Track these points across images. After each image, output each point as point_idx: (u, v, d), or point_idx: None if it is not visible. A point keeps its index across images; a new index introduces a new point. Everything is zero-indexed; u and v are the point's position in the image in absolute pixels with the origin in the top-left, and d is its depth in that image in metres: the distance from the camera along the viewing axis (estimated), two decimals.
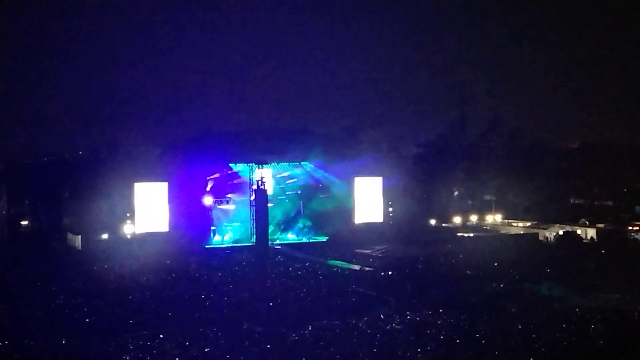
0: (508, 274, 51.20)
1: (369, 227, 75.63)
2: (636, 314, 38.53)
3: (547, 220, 79.85)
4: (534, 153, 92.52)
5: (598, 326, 35.28)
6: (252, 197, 68.79)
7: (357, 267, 56.44)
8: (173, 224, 69.66)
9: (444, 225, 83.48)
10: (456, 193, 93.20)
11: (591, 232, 73.17)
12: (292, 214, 76.93)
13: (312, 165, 76.71)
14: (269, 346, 32.62)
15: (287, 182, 77.07)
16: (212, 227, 73.22)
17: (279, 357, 31.90)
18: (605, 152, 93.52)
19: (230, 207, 74.53)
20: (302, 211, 76.86)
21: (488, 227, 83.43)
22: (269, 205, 69.74)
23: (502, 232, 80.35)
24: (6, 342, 33.51)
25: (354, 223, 76.35)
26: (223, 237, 72.18)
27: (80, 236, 69.16)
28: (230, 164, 73.95)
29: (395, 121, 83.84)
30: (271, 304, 41.66)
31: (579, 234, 73.21)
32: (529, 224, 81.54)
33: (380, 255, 64.60)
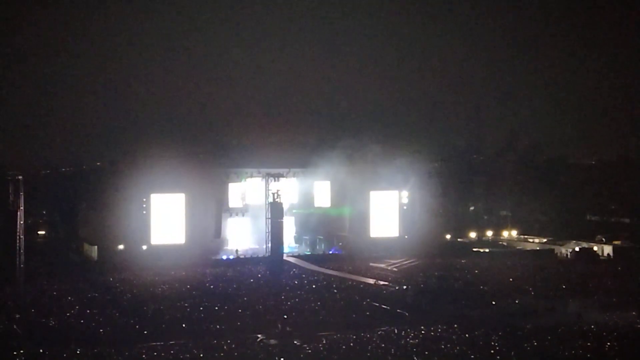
0: (523, 290, 50.97)
1: (384, 241, 75.56)
2: None
3: (563, 237, 79.45)
4: (550, 169, 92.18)
5: (614, 343, 35.03)
6: (268, 210, 68.79)
7: (371, 281, 56.38)
8: (189, 235, 69.91)
9: (459, 240, 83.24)
10: (472, 208, 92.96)
11: (608, 249, 72.75)
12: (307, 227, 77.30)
13: (328, 179, 76.98)
14: (282, 358, 32.64)
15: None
16: (228, 239, 73.50)
17: None
18: (622, 168, 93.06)
19: (245, 219, 74.81)
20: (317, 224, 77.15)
21: (504, 243, 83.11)
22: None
23: (517, 247, 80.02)
24: (22, 351, 33.73)
25: (369, 237, 76.29)
26: (238, 249, 72.30)
27: (96, 246, 69.54)
28: (246, 177, 74.31)
29: (412, 135, 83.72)
30: (285, 316, 41.69)
31: (596, 251, 72.80)
32: (545, 240, 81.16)
33: (395, 269, 64.52)
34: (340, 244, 75.91)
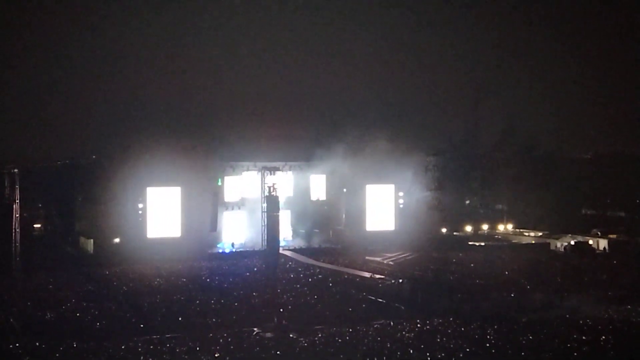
0: (519, 284, 51.08)
1: (381, 234, 75.60)
2: None
3: (558, 230, 79.56)
4: (546, 163, 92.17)
5: (609, 337, 35.15)
6: (264, 203, 68.69)
7: (367, 275, 56.44)
8: (185, 228, 69.87)
9: (455, 233, 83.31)
10: (468, 202, 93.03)
11: (603, 243, 72.86)
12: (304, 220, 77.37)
13: (324, 173, 77.08)
14: (278, 352, 32.69)
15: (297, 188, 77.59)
16: (223, 233, 73.47)
17: None
18: (618, 162, 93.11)
19: (241, 212, 74.76)
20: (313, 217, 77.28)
21: (499, 237, 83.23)
22: None
23: (513, 241, 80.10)
24: (17, 345, 33.73)
25: (365, 230, 76.32)
26: (234, 243, 72.34)
27: (92, 240, 69.50)
28: (242, 170, 74.31)
29: (409, 129, 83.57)
30: (281, 309, 41.74)
31: (591, 245, 72.91)
32: (540, 233, 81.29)
33: (391, 263, 64.58)
34: (336, 237, 76.09)
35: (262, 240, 68.06)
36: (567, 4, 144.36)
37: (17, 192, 59.82)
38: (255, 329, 37.33)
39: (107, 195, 69.19)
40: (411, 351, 32.87)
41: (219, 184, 73.46)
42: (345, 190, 77.03)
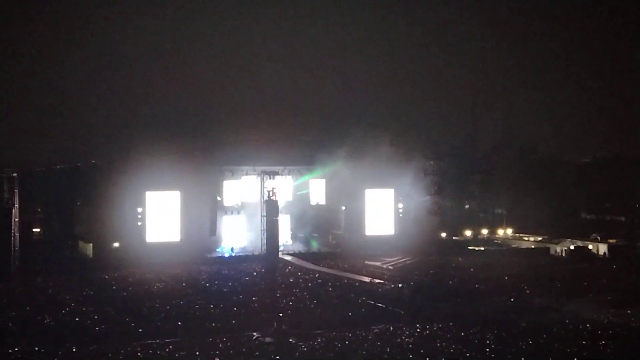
0: (518, 288, 51.03)
1: (380, 239, 75.51)
2: None
3: (558, 235, 79.48)
4: (545, 167, 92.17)
5: (609, 341, 35.12)
6: (263, 208, 68.64)
7: (367, 279, 56.37)
8: (184, 232, 69.83)
9: (454, 238, 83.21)
10: (467, 206, 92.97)
11: (603, 248, 72.75)
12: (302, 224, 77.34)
13: (322, 177, 77.06)
14: (278, 357, 32.65)
15: (297, 193, 77.47)
16: (223, 237, 73.42)
17: None
18: (618, 167, 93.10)
19: (241, 217, 74.72)
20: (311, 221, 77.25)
21: (499, 241, 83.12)
22: None
23: (513, 246, 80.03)
24: (16, 349, 33.67)
25: (364, 235, 76.24)
26: (234, 247, 72.29)
27: (91, 244, 69.43)
28: (241, 175, 74.29)
29: (408, 134, 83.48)
30: (281, 314, 41.69)
31: (591, 249, 72.84)
32: (540, 238, 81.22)
33: (390, 267, 64.52)
34: (335, 241, 76.00)
35: (261, 245, 68.04)
36: (565, 7, 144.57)
37: (16, 195, 59.80)
38: (254, 333, 37.29)
39: (107, 199, 69.14)
40: (411, 356, 32.85)
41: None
42: (344, 194, 77.00)
